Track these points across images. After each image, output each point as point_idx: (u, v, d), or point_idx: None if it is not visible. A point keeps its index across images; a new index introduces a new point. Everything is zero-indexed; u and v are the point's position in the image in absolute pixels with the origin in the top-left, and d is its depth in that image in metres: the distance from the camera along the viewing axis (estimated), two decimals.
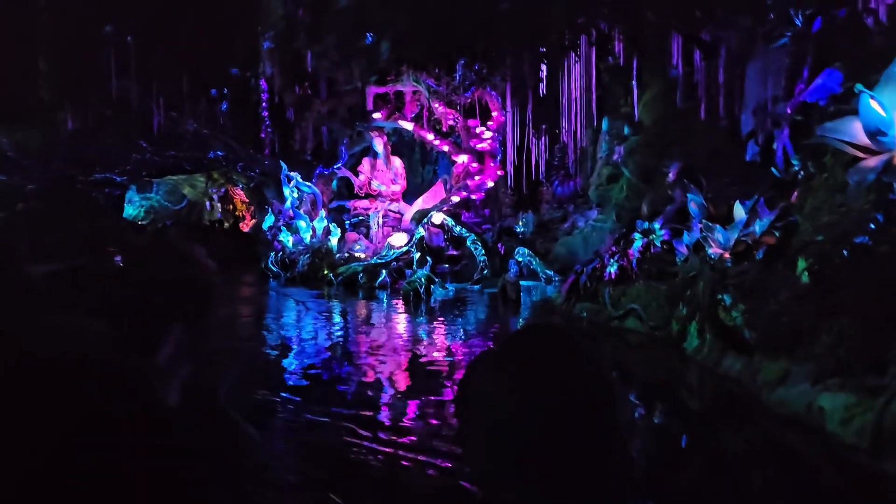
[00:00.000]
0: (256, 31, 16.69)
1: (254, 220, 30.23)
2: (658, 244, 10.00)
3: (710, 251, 8.36)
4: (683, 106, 16.00)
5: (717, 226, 8.32)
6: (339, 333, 10.42)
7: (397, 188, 19.81)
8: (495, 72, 16.61)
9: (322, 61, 16.19)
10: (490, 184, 18.72)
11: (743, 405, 6.60)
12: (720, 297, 7.14)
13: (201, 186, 30.21)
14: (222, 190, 30.66)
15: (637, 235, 10.37)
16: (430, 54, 15.75)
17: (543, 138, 20.49)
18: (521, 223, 18.70)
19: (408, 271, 14.56)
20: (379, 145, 19.65)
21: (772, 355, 6.45)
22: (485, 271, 16.45)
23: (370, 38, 15.58)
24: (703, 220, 8.73)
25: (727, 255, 8.26)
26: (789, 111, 8.78)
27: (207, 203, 31.08)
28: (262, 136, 19.76)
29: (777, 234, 8.01)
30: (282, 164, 19.41)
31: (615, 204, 17.25)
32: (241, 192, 30.85)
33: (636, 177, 17.04)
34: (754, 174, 14.45)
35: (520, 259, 17.20)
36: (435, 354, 8.77)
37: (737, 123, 15.69)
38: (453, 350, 9.09)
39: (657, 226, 10.26)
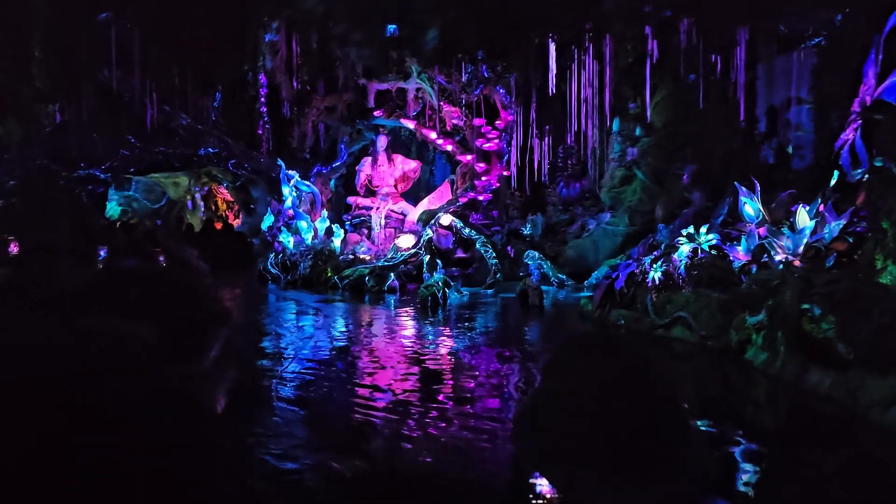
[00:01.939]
0: (260, 21, 15.92)
1: (237, 220, 29.29)
2: (706, 249, 9.56)
3: (777, 258, 7.93)
4: (704, 107, 15.68)
5: (787, 231, 7.90)
6: (389, 349, 9.77)
7: (412, 165, 19.25)
8: (512, 69, 16.09)
9: (363, 49, 15.46)
10: (495, 185, 18.19)
11: (845, 425, 6.16)
12: (806, 307, 6.69)
13: (184, 185, 29.14)
14: (205, 189, 29.63)
15: (682, 240, 9.92)
16: (451, 50, 15.16)
17: (547, 139, 20.03)
18: (528, 225, 18.21)
19: (425, 275, 13.93)
20: (382, 143, 19.00)
21: (876, 372, 6.02)
22: (497, 275, 15.90)
23: (392, 30, 14.97)
24: (768, 225, 8.31)
25: (797, 262, 7.85)
26: (858, 109, 8.37)
27: (189, 202, 30.00)
28: (260, 132, 18.94)
29: (850, 239, 7.62)
30: (280, 162, 18.63)
31: (628, 206, 16.87)
32: (226, 192, 29.86)
33: (650, 179, 16.68)
34: (776, 176, 14.18)
35: (529, 262, 16.70)
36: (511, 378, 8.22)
37: (753, 125, 15.43)
38: (524, 376, 8.55)
39: (704, 230, 9.81)
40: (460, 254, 16.82)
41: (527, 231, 17.94)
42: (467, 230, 16.77)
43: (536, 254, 16.60)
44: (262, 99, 18.70)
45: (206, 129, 18.98)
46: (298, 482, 4.67)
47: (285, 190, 18.31)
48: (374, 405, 6.43)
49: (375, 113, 19.04)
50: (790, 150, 15.42)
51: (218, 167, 21.96)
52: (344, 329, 11.35)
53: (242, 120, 19.60)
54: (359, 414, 6.14)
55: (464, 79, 16.73)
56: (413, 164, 19.84)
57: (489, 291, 15.46)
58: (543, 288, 15.64)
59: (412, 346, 9.62)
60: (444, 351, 9.34)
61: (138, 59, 16.27)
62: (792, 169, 13.87)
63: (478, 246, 16.51)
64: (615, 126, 17.34)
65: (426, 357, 8.87)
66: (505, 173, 18.41)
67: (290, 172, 18.51)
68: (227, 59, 17.02)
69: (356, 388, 7.07)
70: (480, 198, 17.67)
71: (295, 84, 18.77)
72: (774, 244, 8.01)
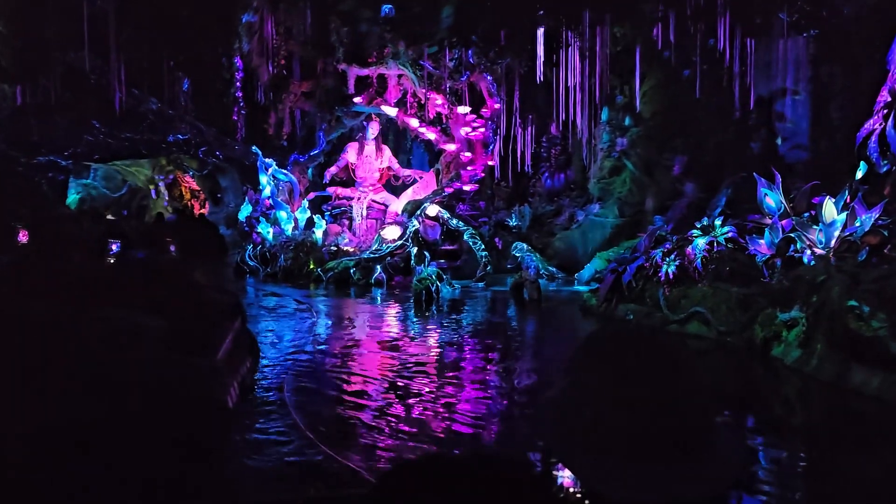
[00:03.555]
0: (239, 1, 15.07)
1: (203, 210, 28.28)
2: (723, 242, 9.26)
3: (808, 252, 7.65)
4: (694, 97, 15.45)
5: (821, 224, 7.61)
6: (415, 357, 9.23)
7: (397, 165, 18.54)
8: (506, 55, 15.59)
9: (371, 27, 14.74)
10: (480, 175, 17.69)
11: None
12: (853, 304, 6.40)
13: (147, 173, 27.94)
14: (170, 177, 28.45)
15: (696, 233, 9.62)
16: (467, 31, 14.56)
17: (530, 128, 19.61)
18: (513, 217, 17.78)
19: (418, 268, 13.39)
20: (374, 130, 18.30)
21: None
22: (488, 268, 15.45)
23: (387, 10, 14.37)
24: (796, 218, 8.03)
25: (831, 256, 7.59)
26: (888, 98, 8.12)
27: (153, 191, 28.79)
28: (234, 118, 18.05)
29: (885, 233, 7.38)
30: (257, 150, 17.80)
31: (617, 198, 16.60)
32: (191, 180, 28.73)
33: (639, 170, 16.42)
34: (773, 168, 13.99)
35: (517, 255, 16.31)
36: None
37: (748, 115, 15.25)
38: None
39: (718, 222, 9.52)
40: (447, 246, 16.33)
41: (513, 222, 17.52)
42: (455, 221, 16.28)
43: (525, 245, 16.23)
44: (238, 83, 17.84)
45: (177, 115, 18.04)
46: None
47: (263, 179, 17.54)
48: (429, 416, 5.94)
49: (355, 99, 18.34)
50: (779, 141, 15.31)
51: (186, 155, 21.00)
52: (351, 330, 10.75)
53: (215, 105, 18.70)
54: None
55: (451, 65, 16.18)
56: (396, 166, 19.09)
57: (479, 285, 15.02)
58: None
59: (441, 355, 9.10)
60: (468, 354, 8.89)
61: (107, 39, 15.29)
62: (786, 161, 13.72)
63: (466, 237, 16.05)
64: (604, 116, 17.01)
65: (458, 364, 8.40)
66: (490, 163, 17.94)
67: (268, 161, 17.74)
68: (202, 41, 16.14)
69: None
70: (466, 188, 17.17)
71: (270, 68, 17.96)
72: (805, 237, 7.73)
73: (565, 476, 1.07)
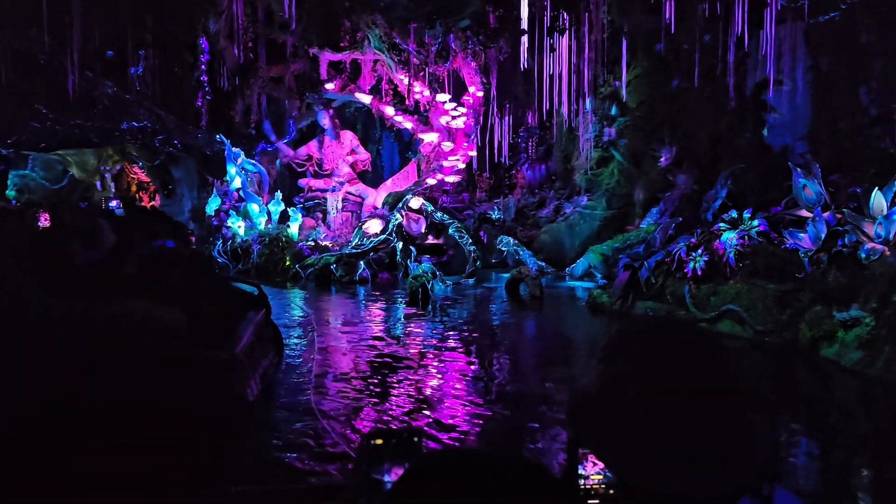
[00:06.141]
0: None
1: (153, 203, 26.77)
2: (755, 236, 8.79)
3: (867, 246, 7.21)
4: (681, 86, 15.05)
5: (879, 217, 7.18)
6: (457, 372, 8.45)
7: (362, 156, 17.69)
8: (497, 38, 14.85)
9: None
10: (462, 165, 16.95)
11: None
12: None
13: (92, 163, 26.19)
14: (117, 167, 26.75)
15: (722, 226, 9.14)
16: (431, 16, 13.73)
17: (508, 118, 18.98)
18: (495, 209, 17.11)
19: (412, 265, 12.58)
20: (324, 120, 17.35)
21: None
22: (477, 263, 14.73)
23: None
24: (846, 210, 7.59)
25: (888, 252, 7.17)
26: None
27: (98, 182, 27.02)
28: (199, 104, 16.76)
29: None
30: (223, 139, 16.59)
31: (605, 189, 16.12)
32: (139, 171, 27.10)
33: (628, 161, 15.97)
34: (771, 160, 13.73)
35: (504, 249, 15.70)
36: None
37: (746, 104, 14.93)
38: None
39: (747, 215, 9.05)
40: (431, 239, 15.54)
41: (495, 215, 16.86)
42: (439, 214, 15.50)
43: (511, 239, 15.64)
44: (203, 67, 16.57)
45: (135, 100, 16.66)
46: None
47: (232, 170, 16.37)
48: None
49: (327, 86, 17.34)
50: (765, 132, 15.07)
51: (140, 144, 19.57)
52: (352, 330, 9.91)
53: (174, 90, 17.36)
54: None
55: (434, 49, 15.37)
56: (364, 156, 18.36)
57: (470, 281, 14.30)
58: None
59: (473, 361, 8.36)
60: (489, 356, 8.20)
61: (60, 16, 13.88)
62: (789, 151, 13.43)
63: (451, 231, 15.29)
64: (588, 105, 16.47)
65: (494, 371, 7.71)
66: (471, 153, 17.22)
67: (235, 150, 16.57)
68: (165, 19, 14.89)
69: None
70: (449, 179, 16.40)
71: (236, 51, 16.79)
72: (860, 231, 7.29)
73: (600, 469, 1.05)
